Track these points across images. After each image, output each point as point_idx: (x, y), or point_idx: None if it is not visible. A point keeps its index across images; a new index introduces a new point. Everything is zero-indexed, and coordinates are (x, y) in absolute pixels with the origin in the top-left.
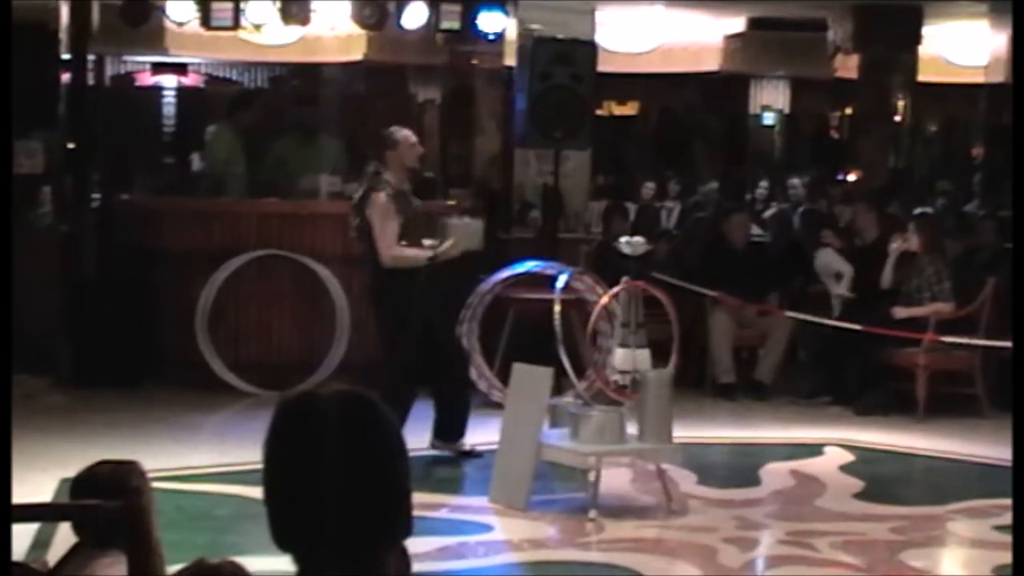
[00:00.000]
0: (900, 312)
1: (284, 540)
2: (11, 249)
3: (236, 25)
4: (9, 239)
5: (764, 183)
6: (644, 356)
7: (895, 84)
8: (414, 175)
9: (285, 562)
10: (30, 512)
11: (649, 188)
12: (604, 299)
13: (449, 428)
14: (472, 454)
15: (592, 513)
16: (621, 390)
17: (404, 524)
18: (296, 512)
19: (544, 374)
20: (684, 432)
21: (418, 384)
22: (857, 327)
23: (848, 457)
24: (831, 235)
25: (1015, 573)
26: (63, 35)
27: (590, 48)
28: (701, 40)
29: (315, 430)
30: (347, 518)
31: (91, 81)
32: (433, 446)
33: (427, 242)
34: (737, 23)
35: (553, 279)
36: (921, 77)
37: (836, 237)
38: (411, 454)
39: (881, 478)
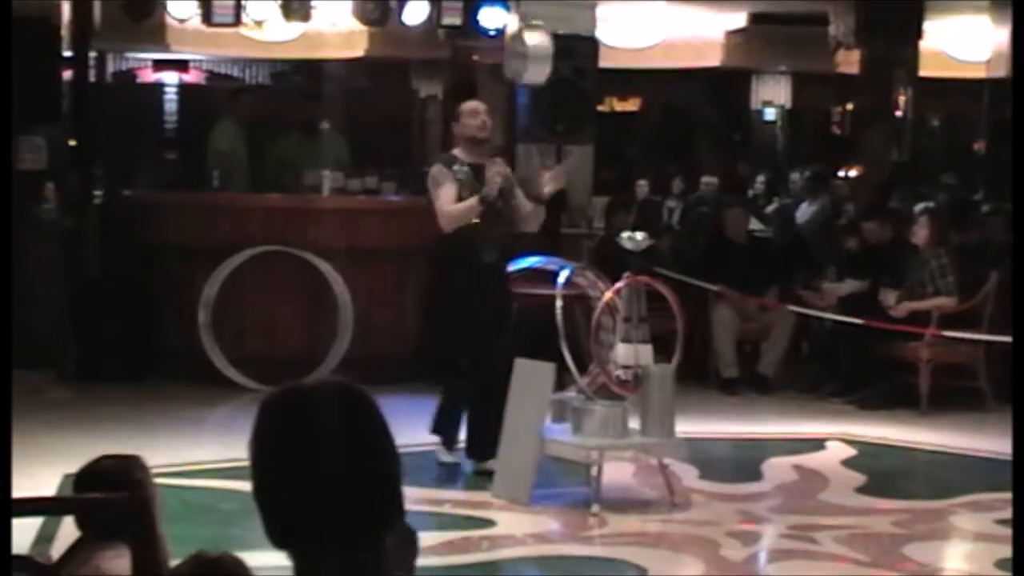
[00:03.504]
0: (903, 308)
1: (279, 537)
2: (11, 245)
3: (237, 21)
4: (9, 235)
5: (766, 178)
6: (646, 351)
7: (897, 79)
8: (481, 147)
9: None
10: (34, 506)
11: (642, 185)
12: (607, 294)
13: (483, 445)
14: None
15: (595, 507)
16: (623, 385)
17: (397, 510)
18: (291, 507)
19: (546, 369)
20: (687, 426)
21: (468, 389)
22: (859, 321)
23: (850, 451)
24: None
25: (1015, 567)
26: (65, 32)
27: (592, 43)
28: (702, 35)
29: (302, 423)
30: (342, 510)
31: (93, 78)
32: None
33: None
34: (738, 18)
35: (555, 274)
36: (923, 72)
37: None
38: (415, 450)
39: (883, 472)
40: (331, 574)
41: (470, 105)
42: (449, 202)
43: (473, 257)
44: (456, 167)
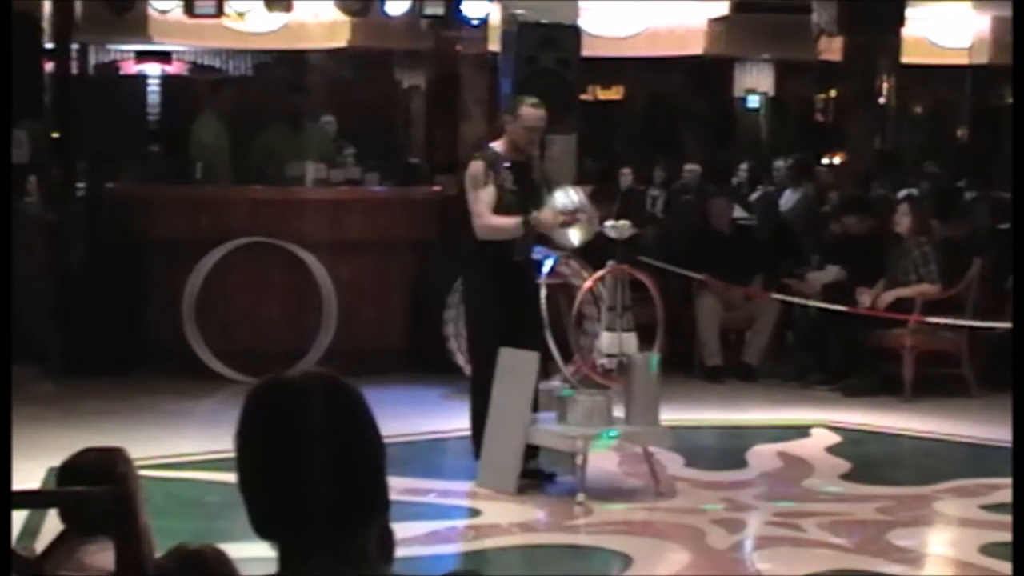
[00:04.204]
0: (888, 295)
1: (265, 528)
2: (11, 244)
3: (220, 12)
4: (9, 234)
5: (749, 166)
6: (630, 339)
7: (879, 66)
8: (524, 153)
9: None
10: (18, 499)
11: (626, 174)
12: (586, 283)
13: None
14: (551, 477)
15: (580, 496)
16: (607, 374)
17: (383, 500)
18: (276, 499)
19: (531, 358)
20: (672, 415)
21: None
22: (843, 308)
23: (835, 438)
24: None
25: (1015, 558)
26: (46, 24)
27: (574, 32)
28: (685, 24)
29: (287, 415)
30: (327, 501)
31: (75, 70)
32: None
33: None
34: (721, 6)
35: (539, 263)
36: (905, 59)
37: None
38: (400, 440)
39: (868, 459)
40: (317, 565)
41: (536, 115)
42: (488, 206)
43: (510, 255)
44: (501, 171)
